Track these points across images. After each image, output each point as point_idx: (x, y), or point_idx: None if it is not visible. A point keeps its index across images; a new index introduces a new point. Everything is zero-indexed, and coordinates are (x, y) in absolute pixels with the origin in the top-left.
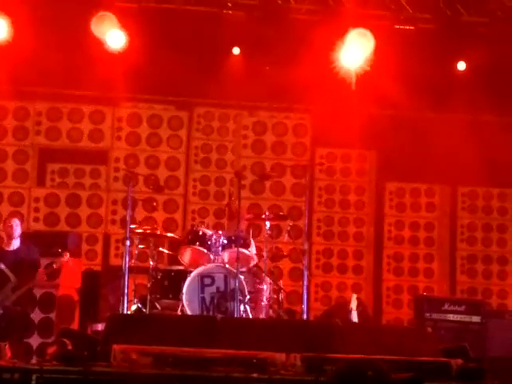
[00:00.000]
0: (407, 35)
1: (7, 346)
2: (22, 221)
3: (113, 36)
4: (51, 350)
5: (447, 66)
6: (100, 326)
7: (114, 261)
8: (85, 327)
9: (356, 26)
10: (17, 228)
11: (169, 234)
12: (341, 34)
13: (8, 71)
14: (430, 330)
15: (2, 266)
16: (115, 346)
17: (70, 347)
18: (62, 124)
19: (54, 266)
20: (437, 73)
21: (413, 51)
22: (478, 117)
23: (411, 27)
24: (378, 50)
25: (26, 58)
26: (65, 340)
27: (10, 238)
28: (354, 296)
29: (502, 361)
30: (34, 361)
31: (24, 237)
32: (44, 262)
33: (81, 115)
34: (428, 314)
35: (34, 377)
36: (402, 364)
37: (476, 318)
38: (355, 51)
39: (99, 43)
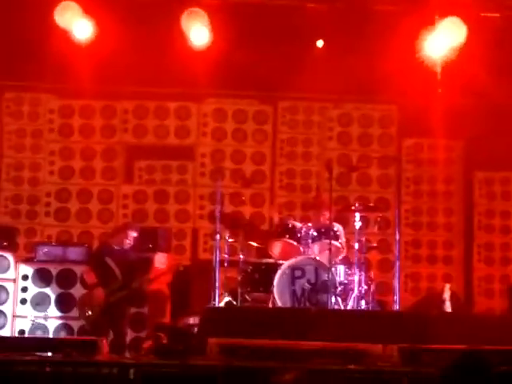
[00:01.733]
0: (494, 22)
1: (104, 341)
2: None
3: (197, 32)
4: (147, 344)
5: None
6: (191, 320)
7: (203, 255)
8: (176, 321)
9: (442, 14)
10: (133, 237)
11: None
12: (426, 23)
13: (94, 71)
14: None
15: (108, 261)
16: (211, 339)
17: (165, 341)
18: (149, 121)
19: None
20: None
21: (499, 38)
22: None
23: (497, 14)
24: (465, 38)
25: (112, 57)
26: (160, 334)
27: (122, 244)
28: (447, 286)
29: None
30: (127, 355)
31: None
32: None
33: (166, 112)
34: None
35: (131, 371)
36: (503, 354)
37: None
38: (444, 40)
39: (183, 40)
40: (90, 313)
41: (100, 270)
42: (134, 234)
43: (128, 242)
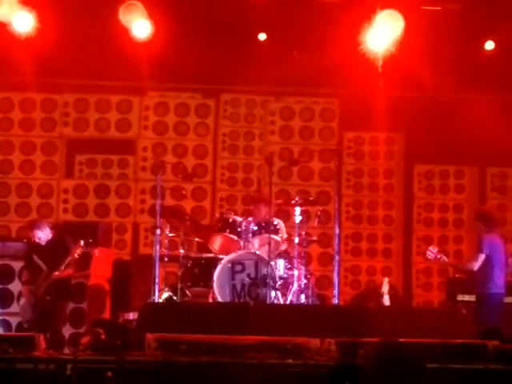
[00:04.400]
0: (434, 16)
1: (42, 337)
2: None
3: (139, 25)
4: (85, 339)
5: (475, 46)
6: (131, 315)
7: (143, 250)
8: (116, 316)
9: (383, 7)
10: (40, 236)
11: None
12: (367, 16)
13: (34, 63)
14: (464, 311)
15: (35, 258)
16: (149, 335)
17: (103, 337)
18: (90, 114)
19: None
20: (465, 53)
21: (440, 32)
22: (507, 97)
23: (438, 8)
24: (405, 32)
25: (52, 50)
26: (98, 330)
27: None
28: (386, 279)
29: None
30: (66, 351)
31: (56, 228)
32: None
33: (108, 105)
34: (461, 296)
35: (68, 367)
36: (438, 347)
37: (510, 299)
38: (383, 33)
39: (125, 33)
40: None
41: (30, 269)
42: (40, 233)
43: (37, 238)
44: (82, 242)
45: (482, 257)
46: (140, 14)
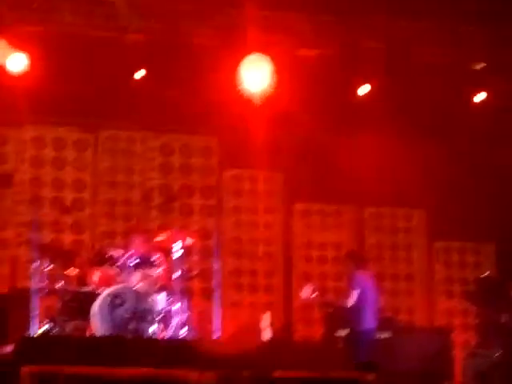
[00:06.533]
0: (309, 60)
1: None
2: None
3: (13, 59)
4: None
5: (349, 90)
6: (9, 348)
7: (23, 283)
8: None
9: (257, 50)
10: None
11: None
12: (243, 58)
13: None
14: (341, 345)
15: None
16: (24, 368)
17: None
18: None
19: None
20: (339, 96)
21: (315, 76)
22: (382, 138)
23: (312, 53)
24: (280, 75)
25: None
26: None
27: None
28: (267, 314)
29: (412, 375)
30: None
31: None
32: None
33: None
34: (340, 331)
35: None
36: (315, 380)
37: (386, 334)
38: (255, 75)
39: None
40: None
41: None
42: None
43: None
44: None
45: (355, 294)
46: (8, 50)
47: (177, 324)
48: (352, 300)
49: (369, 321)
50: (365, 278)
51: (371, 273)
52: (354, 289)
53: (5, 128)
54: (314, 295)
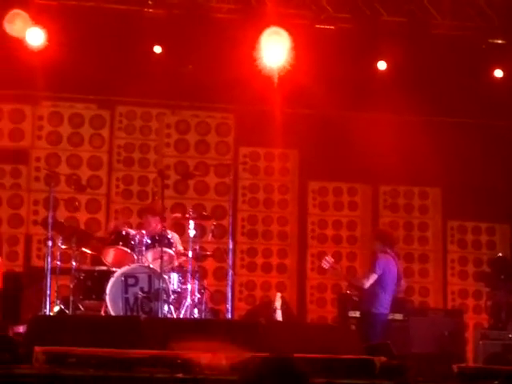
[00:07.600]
0: (327, 35)
1: None
2: None
3: (32, 33)
4: None
5: (367, 66)
6: (22, 328)
7: (36, 262)
8: (5, 329)
9: (276, 24)
10: None
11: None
12: (261, 33)
13: None
14: (353, 327)
15: None
16: (37, 348)
17: None
18: None
19: None
20: (357, 72)
21: (333, 50)
22: (398, 116)
23: (331, 27)
24: (299, 50)
25: None
26: None
27: None
28: (279, 295)
29: (425, 357)
30: None
31: None
32: None
33: (0, 114)
34: (352, 313)
35: None
36: (326, 362)
37: (399, 316)
38: (273, 50)
39: (18, 40)
40: None
41: None
42: None
43: None
44: None
45: (374, 277)
46: (27, 24)
47: (189, 304)
48: (369, 282)
49: (385, 305)
50: (387, 262)
51: (397, 254)
52: (374, 272)
53: (22, 104)
54: (335, 266)
